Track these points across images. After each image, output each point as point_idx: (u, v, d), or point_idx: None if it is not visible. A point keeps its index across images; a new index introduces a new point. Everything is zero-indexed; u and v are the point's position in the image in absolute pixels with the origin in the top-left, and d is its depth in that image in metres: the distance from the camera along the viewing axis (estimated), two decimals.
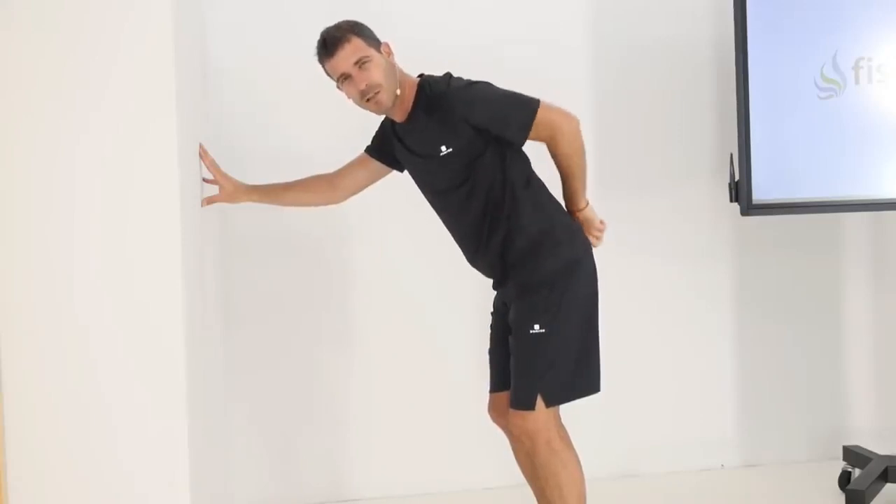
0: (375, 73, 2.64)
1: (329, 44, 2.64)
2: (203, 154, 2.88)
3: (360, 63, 2.63)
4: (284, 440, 3.72)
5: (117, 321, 2.33)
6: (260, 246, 3.66)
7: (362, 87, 2.64)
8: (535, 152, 2.77)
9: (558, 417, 2.72)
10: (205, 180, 2.91)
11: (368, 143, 2.95)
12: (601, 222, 2.84)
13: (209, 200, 2.93)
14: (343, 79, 2.67)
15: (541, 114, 2.67)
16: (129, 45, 2.33)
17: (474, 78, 2.75)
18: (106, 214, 2.33)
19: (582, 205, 2.80)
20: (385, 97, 2.67)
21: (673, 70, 3.94)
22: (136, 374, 2.34)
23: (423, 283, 3.76)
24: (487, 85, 2.71)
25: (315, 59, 2.70)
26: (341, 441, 3.75)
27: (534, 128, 2.67)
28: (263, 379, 3.68)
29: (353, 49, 2.63)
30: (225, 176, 2.93)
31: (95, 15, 2.32)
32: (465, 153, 2.67)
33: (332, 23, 2.72)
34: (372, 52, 2.65)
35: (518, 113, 2.67)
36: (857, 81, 3.52)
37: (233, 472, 3.62)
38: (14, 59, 2.29)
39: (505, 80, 2.76)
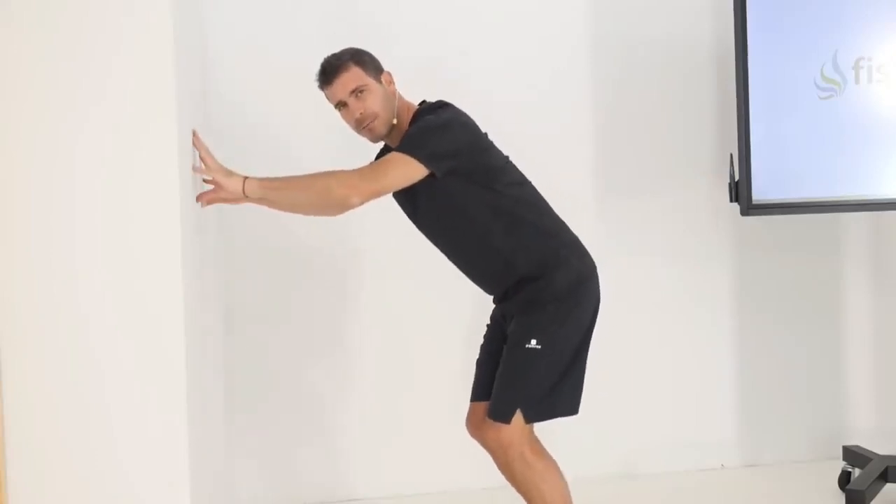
0: (372, 103, 2.68)
1: (328, 71, 2.69)
2: (202, 154, 2.87)
3: (357, 92, 2.67)
4: (284, 440, 3.72)
5: (117, 321, 2.32)
6: (260, 246, 3.66)
7: (357, 115, 2.69)
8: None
9: (532, 431, 2.69)
10: (205, 181, 2.91)
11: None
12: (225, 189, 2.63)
13: (210, 200, 2.92)
14: (340, 106, 2.71)
15: (399, 158, 2.57)
16: (129, 45, 2.33)
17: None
18: (106, 214, 2.32)
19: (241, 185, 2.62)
20: (380, 126, 2.70)
21: (673, 70, 3.94)
22: (136, 374, 2.33)
23: (422, 283, 3.75)
24: (447, 119, 2.64)
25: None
26: (341, 441, 3.75)
27: (393, 161, 2.58)
28: (263, 379, 3.68)
29: (350, 78, 2.67)
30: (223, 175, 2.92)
31: (95, 15, 2.31)
32: (439, 182, 2.61)
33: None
34: (370, 80, 2.69)
35: (409, 141, 2.60)
36: (857, 81, 3.52)
37: (233, 472, 3.62)
38: (14, 59, 2.28)
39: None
